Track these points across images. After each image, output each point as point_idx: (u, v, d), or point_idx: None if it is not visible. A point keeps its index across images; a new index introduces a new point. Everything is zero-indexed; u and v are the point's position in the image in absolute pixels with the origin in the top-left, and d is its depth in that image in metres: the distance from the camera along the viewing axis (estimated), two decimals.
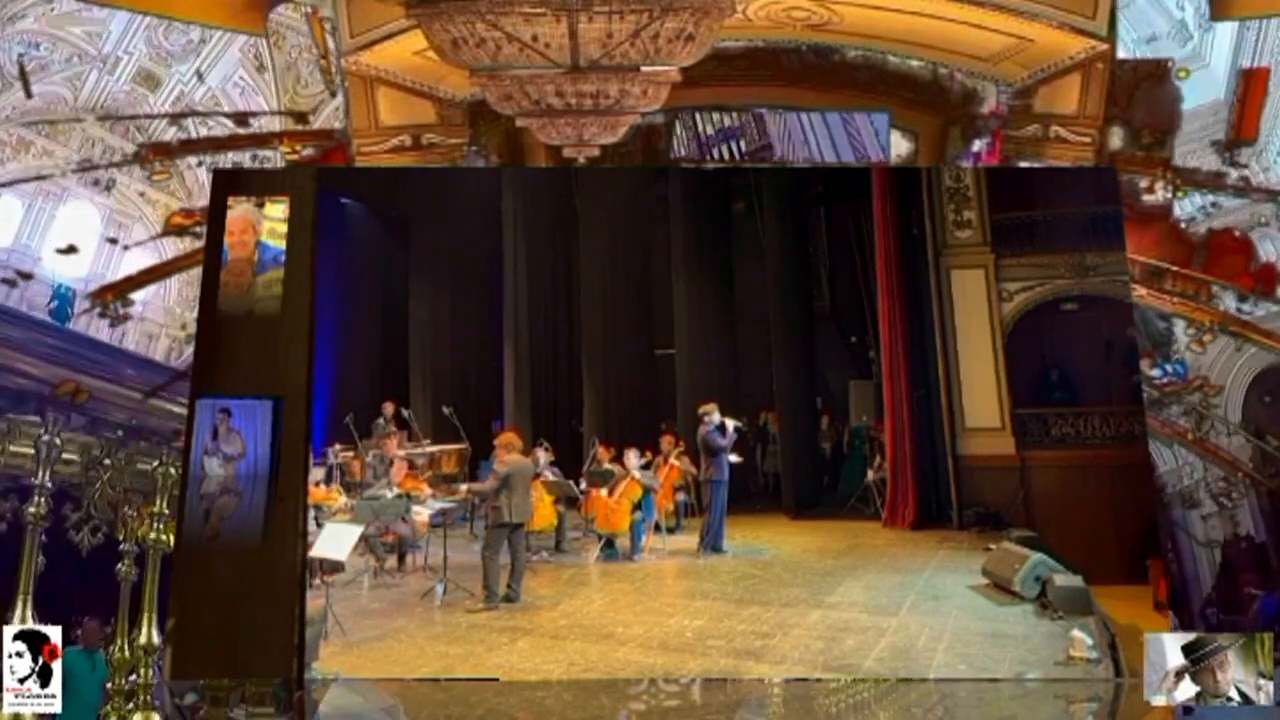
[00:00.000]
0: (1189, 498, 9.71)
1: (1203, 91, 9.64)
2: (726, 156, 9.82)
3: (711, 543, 9.94)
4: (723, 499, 10.04)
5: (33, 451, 4.98)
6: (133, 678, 5.35)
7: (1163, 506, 9.59)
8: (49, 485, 4.99)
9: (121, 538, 5.52)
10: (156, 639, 5.44)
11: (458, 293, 13.40)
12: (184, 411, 8.04)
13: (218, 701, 6.50)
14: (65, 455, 5.14)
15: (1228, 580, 9.45)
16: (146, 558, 5.56)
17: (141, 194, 10.49)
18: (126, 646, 5.36)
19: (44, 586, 5.07)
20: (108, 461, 5.37)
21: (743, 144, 9.77)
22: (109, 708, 5.27)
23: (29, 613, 4.86)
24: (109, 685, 5.32)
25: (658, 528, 10.19)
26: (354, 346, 13.02)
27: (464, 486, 9.85)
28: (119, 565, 5.47)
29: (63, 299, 10.13)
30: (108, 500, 5.45)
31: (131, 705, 5.27)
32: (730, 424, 10.15)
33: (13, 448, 5.01)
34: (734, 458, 10.26)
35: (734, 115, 9.80)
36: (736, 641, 7.27)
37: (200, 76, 10.09)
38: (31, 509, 4.86)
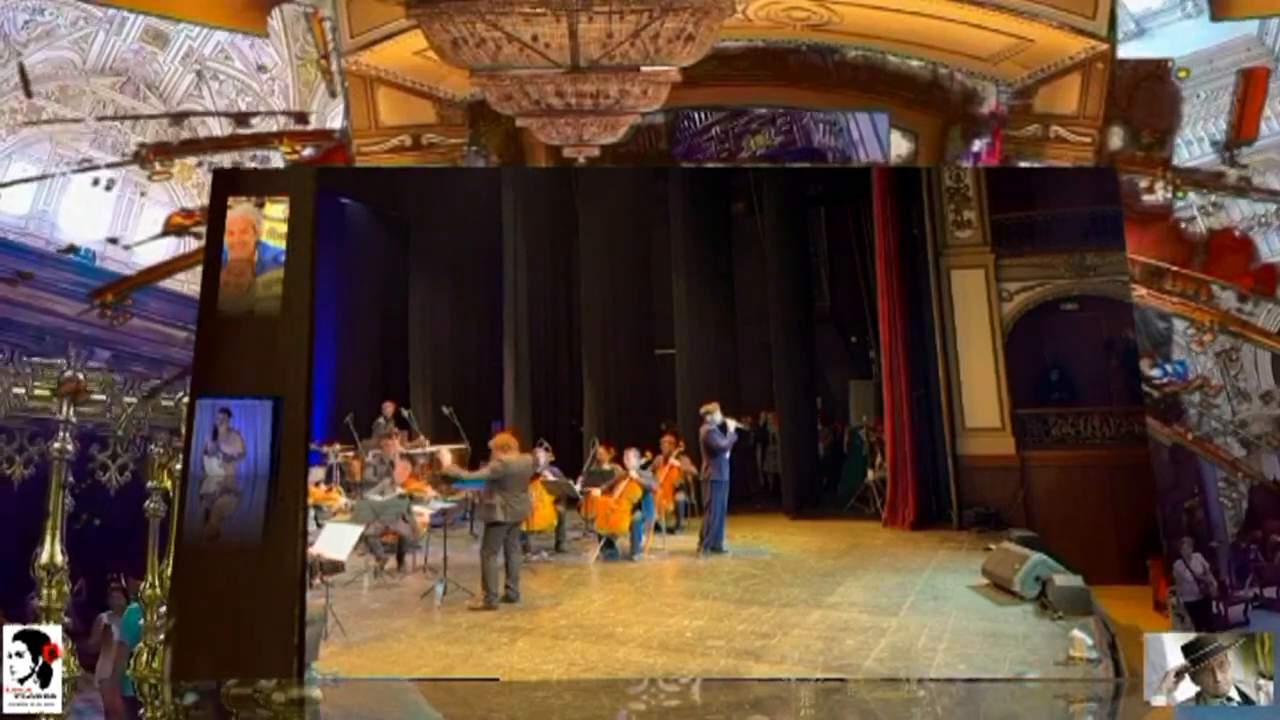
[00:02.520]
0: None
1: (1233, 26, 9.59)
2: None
3: (711, 543, 9.94)
4: (723, 499, 10.04)
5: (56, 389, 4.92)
6: (162, 609, 5.32)
7: (1189, 452, 9.57)
8: (73, 421, 4.95)
9: (149, 476, 5.49)
10: None
11: (458, 293, 13.39)
12: None
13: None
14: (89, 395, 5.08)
15: (1253, 527, 9.48)
16: (172, 493, 5.53)
17: (142, 193, 10.49)
18: (157, 582, 5.33)
19: (77, 533, 5.02)
20: (130, 399, 5.32)
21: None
22: (142, 644, 5.24)
23: (58, 549, 4.82)
24: (141, 621, 5.29)
25: (658, 528, 10.19)
26: (354, 346, 13.01)
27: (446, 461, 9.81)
28: (147, 503, 5.43)
29: (84, 256, 10.17)
30: (132, 437, 5.41)
31: (162, 638, 5.23)
32: (732, 424, 10.17)
33: (38, 390, 4.93)
34: None
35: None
36: (736, 641, 7.26)
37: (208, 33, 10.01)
38: (56, 444, 4.82)
